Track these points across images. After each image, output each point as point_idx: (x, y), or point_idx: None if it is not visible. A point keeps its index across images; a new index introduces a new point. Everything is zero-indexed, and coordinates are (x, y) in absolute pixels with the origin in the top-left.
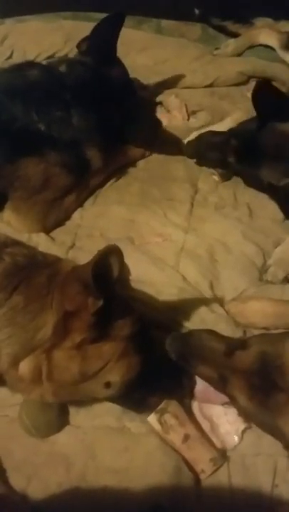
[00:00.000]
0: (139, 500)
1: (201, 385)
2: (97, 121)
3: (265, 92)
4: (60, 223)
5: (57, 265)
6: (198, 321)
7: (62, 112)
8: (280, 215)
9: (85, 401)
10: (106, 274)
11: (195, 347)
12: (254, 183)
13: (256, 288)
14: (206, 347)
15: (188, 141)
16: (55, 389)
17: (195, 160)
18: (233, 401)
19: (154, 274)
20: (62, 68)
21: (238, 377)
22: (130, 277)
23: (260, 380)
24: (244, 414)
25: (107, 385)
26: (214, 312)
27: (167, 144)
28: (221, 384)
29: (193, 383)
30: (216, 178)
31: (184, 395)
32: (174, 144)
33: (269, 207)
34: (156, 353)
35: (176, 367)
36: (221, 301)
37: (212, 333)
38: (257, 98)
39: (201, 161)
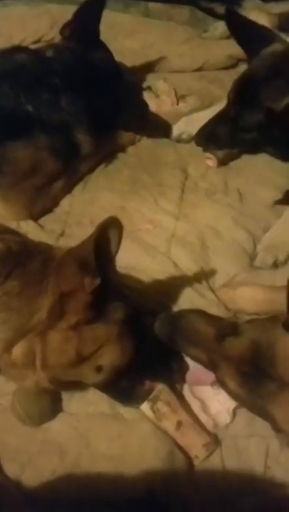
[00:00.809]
0: (134, 486)
1: (190, 366)
2: (85, 105)
3: (238, 21)
4: (47, 210)
5: (50, 252)
6: (189, 306)
7: (51, 95)
8: (270, 200)
9: (78, 388)
10: (105, 250)
11: (184, 329)
12: (255, 127)
13: (247, 274)
14: (196, 330)
15: (197, 132)
16: (49, 373)
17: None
18: (222, 386)
19: (145, 261)
20: (49, 53)
21: (228, 364)
22: (121, 264)
23: (252, 368)
24: (234, 398)
25: (99, 369)
26: (205, 298)
27: (157, 128)
28: (211, 368)
29: (186, 368)
30: (209, 163)
31: (175, 380)
32: (164, 128)
33: (259, 192)
34: (148, 339)
35: (168, 352)
36: (212, 287)
37: (201, 314)
38: (232, 28)
39: (214, 142)
